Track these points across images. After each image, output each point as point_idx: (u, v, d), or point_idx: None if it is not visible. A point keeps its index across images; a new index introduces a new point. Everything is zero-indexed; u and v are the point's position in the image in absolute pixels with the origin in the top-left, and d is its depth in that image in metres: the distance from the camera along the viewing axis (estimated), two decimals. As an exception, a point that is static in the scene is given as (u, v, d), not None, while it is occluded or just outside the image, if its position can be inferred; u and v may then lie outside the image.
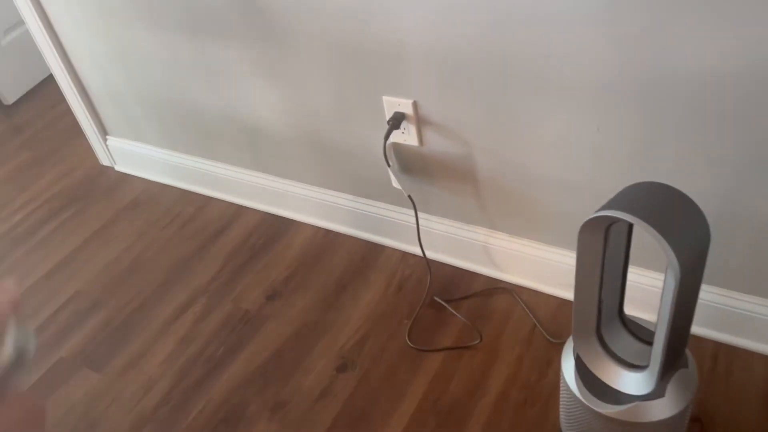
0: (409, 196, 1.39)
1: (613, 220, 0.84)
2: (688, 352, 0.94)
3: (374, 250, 1.58)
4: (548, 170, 1.21)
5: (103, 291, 1.62)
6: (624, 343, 0.96)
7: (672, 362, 0.89)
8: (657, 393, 0.89)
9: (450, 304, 1.41)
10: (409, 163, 1.38)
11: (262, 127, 1.55)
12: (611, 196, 1.16)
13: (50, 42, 1.74)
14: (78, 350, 1.48)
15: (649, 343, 0.91)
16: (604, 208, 0.80)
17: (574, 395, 0.95)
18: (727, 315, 1.19)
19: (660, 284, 1.20)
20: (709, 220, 1.10)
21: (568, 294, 1.36)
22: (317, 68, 1.33)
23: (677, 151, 1.05)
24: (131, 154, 1.92)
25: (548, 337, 1.31)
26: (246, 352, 1.41)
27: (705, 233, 0.79)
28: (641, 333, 0.96)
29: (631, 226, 0.89)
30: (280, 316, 1.47)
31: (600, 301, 0.92)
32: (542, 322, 1.34)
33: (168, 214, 1.81)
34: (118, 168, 2.01)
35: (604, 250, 0.87)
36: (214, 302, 1.53)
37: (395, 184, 1.38)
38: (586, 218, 0.82)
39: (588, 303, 0.92)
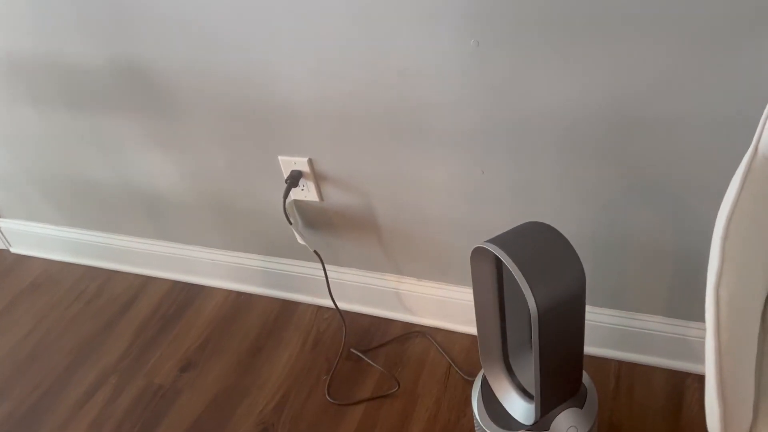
0: (315, 251, 1.40)
1: (491, 253, 0.88)
2: (589, 383, 0.98)
3: (288, 307, 1.57)
4: (441, 212, 1.25)
5: (5, 380, 1.53)
6: (531, 374, 1.00)
7: (558, 395, 0.92)
8: (542, 426, 0.92)
9: (367, 354, 1.42)
10: (312, 218, 1.40)
11: (162, 195, 1.54)
12: (485, 231, 1.23)
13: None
14: (-22, 450, 1.39)
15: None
16: (487, 241, 0.84)
17: (479, 423, 0.98)
18: (626, 334, 1.26)
19: (602, 318, 1.25)
20: (593, 246, 1.17)
21: (479, 330, 1.40)
22: (209, 133, 1.34)
23: (555, 185, 1.11)
24: (27, 234, 1.85)
25: (464, 376, 1.33)
26: (163, 427, 1.36)
27: (577, 276, 0.82)
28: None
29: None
30: (196, 386, 1.43)
31: (503, 329, 0.96)
32: (457, 362, 1.36)
33: (71, 293, 1.74)
34: (13, 250, 1.92)
35: (498, 280, 0.91)
36: (125, 380, 1.47)
37: (300, 240, 1.40)
38: (472, 248, 0.86)
39: (489, 329, 0.96)
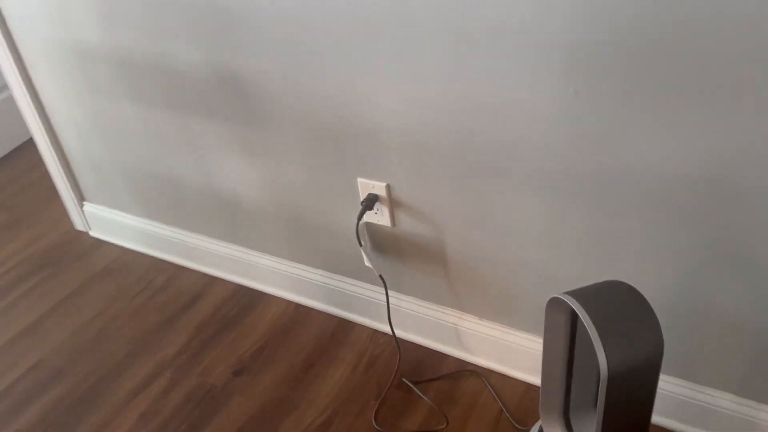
0: (381, 276, 1.40)
1: (570, 306, 0.86)
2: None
3: (344, 326, 1.58)
4: (514, 254, 1.23)
5: (66, 361, 1.59)
6: (589, 434, 0.97)
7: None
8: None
9: (418, 386, 1.40)
10: (381, 242, 1.40)
11: (239, 200, 1.57)
12: (580, 283, 1.19)
13: (33, 108, 1.77)
14: (35, 422, 1.44)
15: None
16: (565, 293, 0.82)
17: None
18: (691, 407, 1.20)
19: (668, 386, 1.21)
20: (670, 310, 1.12)
21: (536, 379, 1.36)
22: (296, 148, 1.37)
23: (637, 242, 1.08)
24: (106, 221, 1.92)
25: (515, 423, 1.30)
26: (210, 429, 1.38)
27: (655, 343, 0.79)
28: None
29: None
30: (247, 392, 1.44)
31: (568, 384, 0.93)
32: (509, 408, 1.33)
33: (139, 283, 1.80)
34: (92, 233, 2.00)
35: (570, 334, 0.89)
36: (179, 376, 1.51)
37: (367, 263, 1.40)
38: (541, 294, 0.84)
39: (554, 382, 0.93)
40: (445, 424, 1.32)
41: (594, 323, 0.77)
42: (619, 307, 0.80)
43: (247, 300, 1.69)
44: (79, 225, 2.02)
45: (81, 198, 1.95)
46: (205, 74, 1.37)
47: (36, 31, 1.59)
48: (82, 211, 1.96)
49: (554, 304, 0.85)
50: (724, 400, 1.17)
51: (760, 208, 0.94)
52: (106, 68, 1.54)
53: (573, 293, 0.81)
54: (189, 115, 1.48)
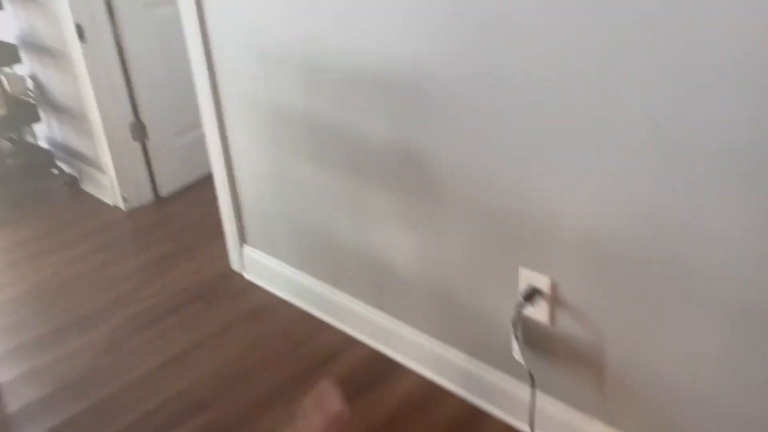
0: (530, 373, 1.35)
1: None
2: None
3: (478, 415, 1.53)
4: (684, 382, 1.14)
5: (207, 394, 1.65)
6: None
7: None
8: None
9: (552, 496, 1.32)
10: (533, 338, 1.36)
11: (394, 268, 1.60)
12: (757, 424, 1.08)
13: (221, 150, 1.92)
14: (171, 449, 1.51)
15: None
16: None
17: None
18: None
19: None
20: None
21: None
22: (460, 226, 1.38)
23: (839, 396, 0.97)
24: (262, 266, 2.02)
25: None
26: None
27: None
28: None
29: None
30: (372, 464, 1.43)
31: None
32: None
33: (283, 331, 1.86)
34: (246, 275, 2.11)
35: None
36: (310, 432, 1.52)
37: (517, 356, 1.36)
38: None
39: None
40: None
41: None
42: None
43: (383, 367, 1.69)
44: (236, 265, 2.14)
45: (243, 240, 2.07)
46: (387, 146, 1.43)
47: (239, 85, 1.75)
48: (242, 253, 2.08)
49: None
50: None
51: None
52: (295, 129, 1.65)
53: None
54: (363, 180, 1.54)
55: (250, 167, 1.88)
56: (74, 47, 2.38)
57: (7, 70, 2.82)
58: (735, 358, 1.06)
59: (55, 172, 2.91)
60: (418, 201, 1.44)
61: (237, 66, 1.72)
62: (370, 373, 1.68)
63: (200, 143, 2.61)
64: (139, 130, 2.56)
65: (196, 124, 2.60)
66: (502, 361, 1.46)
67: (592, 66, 1.04)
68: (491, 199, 1.29)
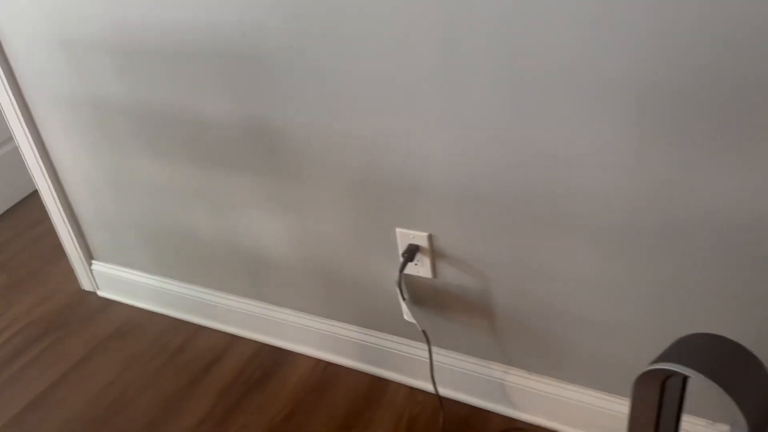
0: (424, 331, 1.32)
1: (670, 374, 0.78)
2: None
3: (378, 385, 1.49)
4: (569, 307, 1.16)
5: (81, 434, 1.48)
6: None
7: None
8: None
9: (466, 447, 1.31)
10: (421, 295, 1.33)
11: (265, 255, 1.50)
12: (637, 336, 1.12)
13: (41, 162, 1.69)
14: (51, 505, 1.33)
15: None
16: (660, 360, 0.75)
17: None
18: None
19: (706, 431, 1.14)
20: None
21: (593, 436, 1.28)
22: (329, 199, 1.30)
23: (709, 292, 1.02)
24: (117, 280, 1.83)
25: (576, 487, 1.21)
26: (243, 505, 1.27)
27: None
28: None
29: (685, 379, 0.83)
30: (280, 463, 1.34)
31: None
32: (568, 469, 1.25)
33: (155, 345, 1.70)
34: (101, 293, 1.90)
35: (659, 405, 0.81)
36: (207, 446, 1.40)
37: (408, 317, 1.32)
38: (642, 371, 0.77)
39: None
40: (502, 491, 1.22)
41: (722, 386, 0.69)
42: (726, 363, 0.73)
43: (272, 360, 1.60)
44: (87, 285, 1.92)
45: (89, 257, 1.86)
46: (231, 126, 1.31)
47: (49, 84, 1.53)
48: (91, 270, 1.87)
49: (647, 377, 0.77)
50: None
51: None
52: (123, 122, 1.47)
53: (674, 359, 0.74)
54: (212, 169, 1.41)
55: (82, 175, 1.67)
56: None
57: None
58: (612, 277, 1.09)
59: None
60: (279, 180, 1.34)
61: (42, 63, 1.50)
62: (261, 368, 1.58)
63: (17, 157, 2.31)
64: (-63, 155, 2.21)
65: (7, 137, 2.31)
66: (395, 326, 1.42)
67: (432, 3, 0.99)
68: (355, 164, 1.22)
